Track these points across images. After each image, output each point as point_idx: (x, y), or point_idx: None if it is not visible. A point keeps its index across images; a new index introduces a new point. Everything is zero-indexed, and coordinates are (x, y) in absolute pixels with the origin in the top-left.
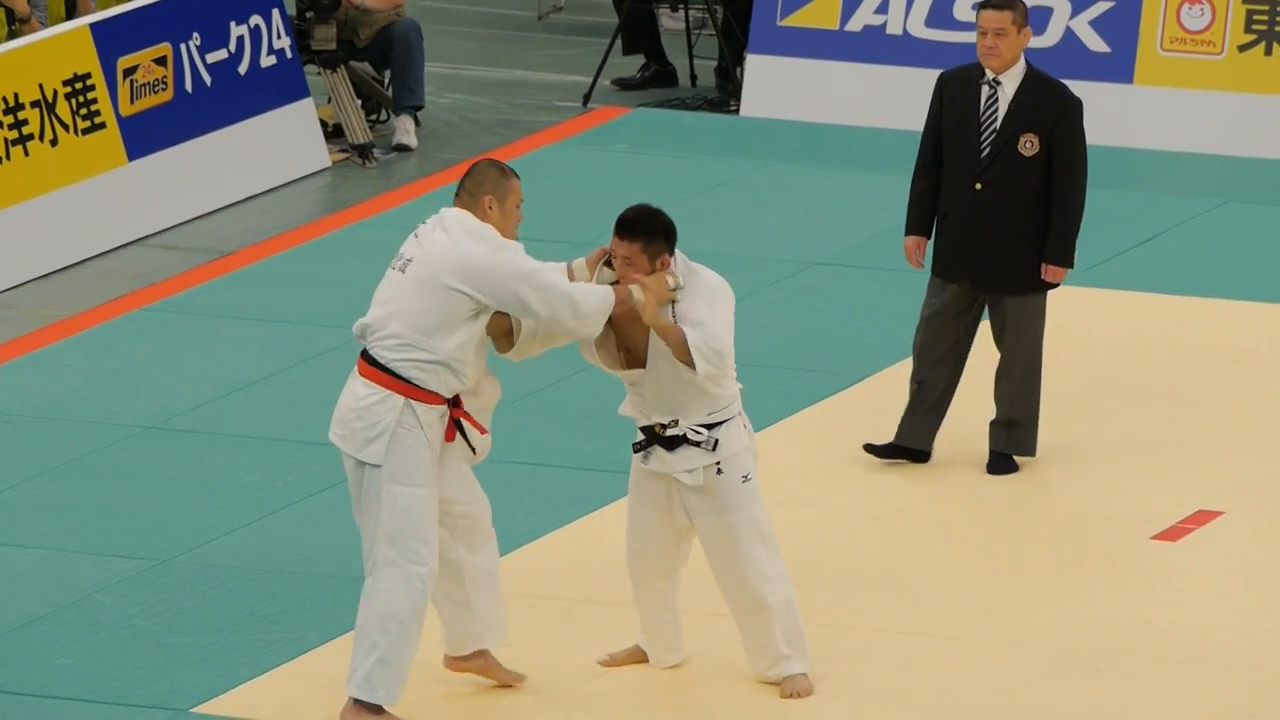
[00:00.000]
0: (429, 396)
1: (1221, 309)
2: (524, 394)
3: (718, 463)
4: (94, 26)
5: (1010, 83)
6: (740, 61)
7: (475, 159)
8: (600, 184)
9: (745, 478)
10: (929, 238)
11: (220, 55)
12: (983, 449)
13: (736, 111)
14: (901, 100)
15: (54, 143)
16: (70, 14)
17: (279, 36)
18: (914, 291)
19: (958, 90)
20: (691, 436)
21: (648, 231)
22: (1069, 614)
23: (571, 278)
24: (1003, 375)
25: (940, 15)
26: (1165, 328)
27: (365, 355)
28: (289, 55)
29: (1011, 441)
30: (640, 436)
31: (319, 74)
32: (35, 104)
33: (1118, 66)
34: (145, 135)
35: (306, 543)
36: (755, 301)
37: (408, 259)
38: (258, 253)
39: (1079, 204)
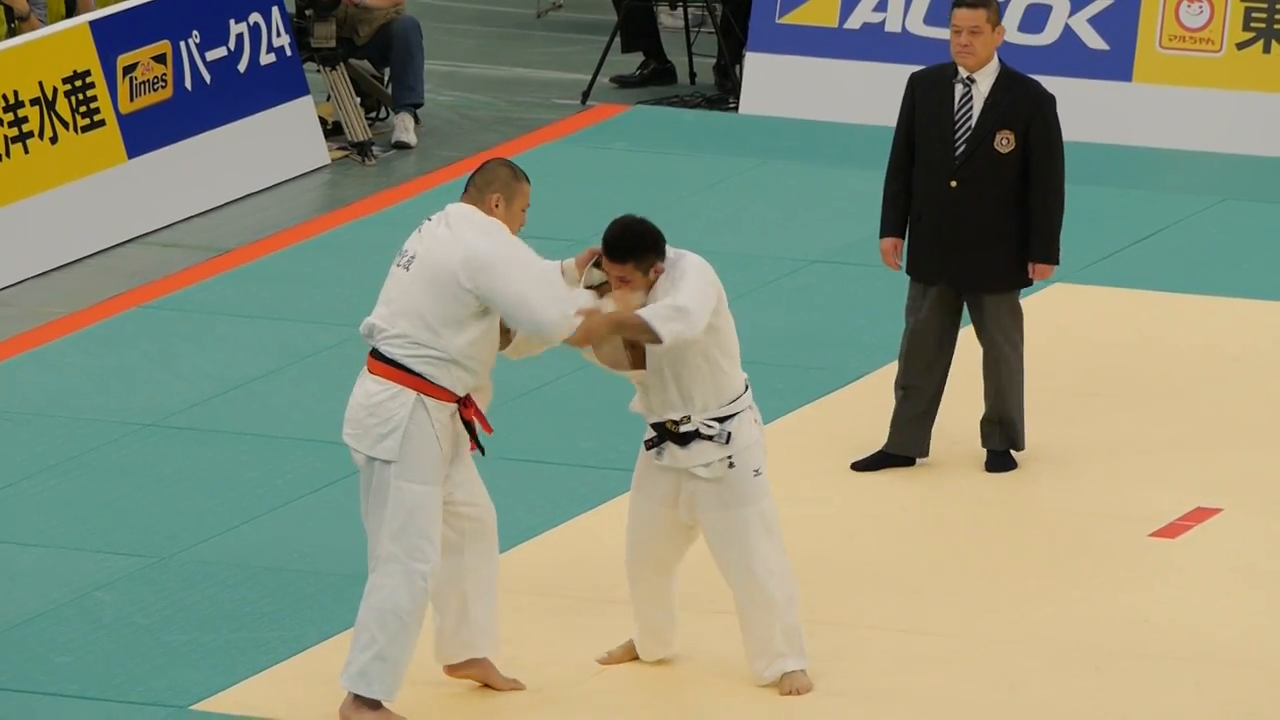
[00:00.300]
0: (441, 393)
1: (1220, 306)
2: (522, 391)
3: (730, 456)
4: (94, 24)
5: (985, 80)
6: (739, 59)
7: (475, 156)
8: (599, 182)
9: (756, 472)
10: (904, 238)
11: (220, 53)
12: (979, 446)
13: (735, 109)
14: (900, 98)
15: (54, 140)
16: (70, 12)
17: (278, 34)
18: None
19: (930, 89)
20: (704, 430)
21: (635, 252)
22: (1068, 611)
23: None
24: (989, 372)
25: (939, 13)
26: (1164, 325)
27: (375, 353)
28: (288, 53)
29: (1004, 437)
30: (651, 433)
31: (318, 72)
32: (35, 102)
33: (1116, 64)
34: (145, 133)
35: (306, 540)
36: (753, 299)
37: (411, 255)
38: (257, 250)
39: (1059, 200)
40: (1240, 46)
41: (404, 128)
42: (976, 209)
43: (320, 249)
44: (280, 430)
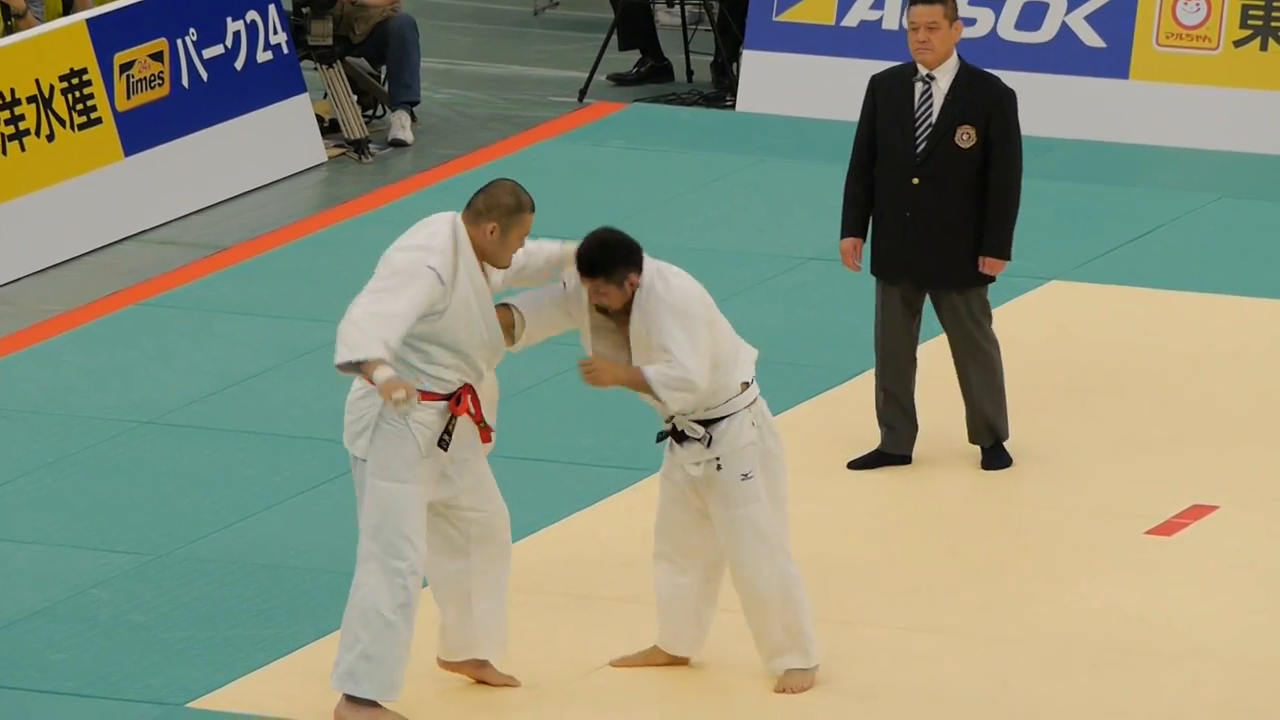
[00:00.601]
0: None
1: (1217, 304)
2: (519, 389)
3: (717, 458)
4: (90, 22)
5: (944, 77)
6: (736, 57)
7: (471, 154)
8: (596, 179)
9: (745, 476)
10: (865, 239)
11: (217, 51)
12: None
13: (732, 107)
14: None
15: (50, 138)
16: (67, 9)
17: (275, 32)
18: None
19: (891, 89)
20: (688, 432)
21: (606, 268)
22: (1064, 609)
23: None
24: (962, 369)
25: None
26: (1161, 323)
27: None
28: (285, 51)
29: (990, 432)
30: (664, 426)
31: (315, 69)
32: (32, 99)
33: (1113, 62)
34: (141, 131)
35: (302, 538)
36: (749, 297)
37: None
38: (254, 248)
39: (1015, 195)
40: (1237, 44)
41: (401, 125)
42: (939, 205)
43: (317, 246)
44: (278, 428)
